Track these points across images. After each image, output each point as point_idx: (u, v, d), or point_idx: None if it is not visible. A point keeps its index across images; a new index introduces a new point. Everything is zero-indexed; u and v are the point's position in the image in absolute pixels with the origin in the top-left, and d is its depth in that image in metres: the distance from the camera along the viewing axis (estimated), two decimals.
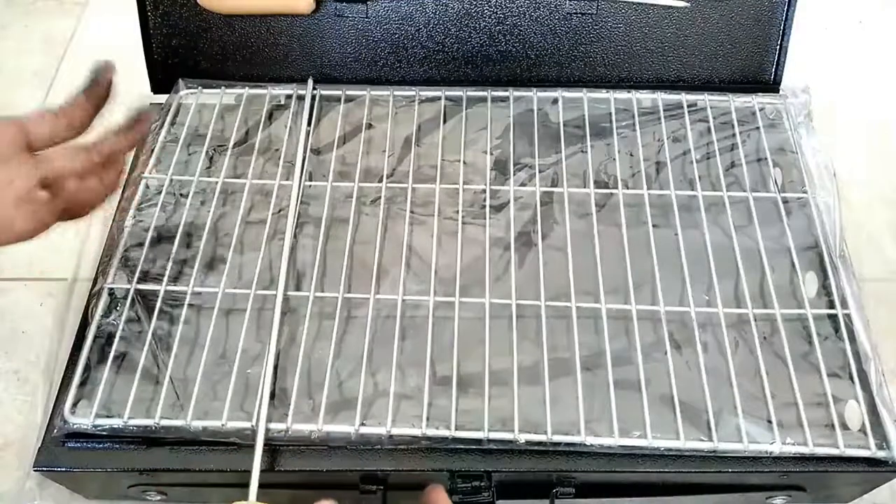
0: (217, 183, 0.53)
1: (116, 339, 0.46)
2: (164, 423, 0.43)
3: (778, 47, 0.58)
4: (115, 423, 0.43)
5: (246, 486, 0.40)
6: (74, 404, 0.44)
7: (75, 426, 0.43)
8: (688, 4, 0.56)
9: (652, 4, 0.56)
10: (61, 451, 0.43)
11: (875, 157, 0.67)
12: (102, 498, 0.49)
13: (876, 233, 0.62)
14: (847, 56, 0.74)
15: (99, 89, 0.42)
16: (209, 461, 0.43)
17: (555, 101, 0.57)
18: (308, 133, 0.56)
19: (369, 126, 0.57)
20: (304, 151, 0.55)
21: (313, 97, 0.58)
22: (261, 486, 0.40)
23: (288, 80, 0.58)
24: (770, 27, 0.57)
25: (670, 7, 0.56)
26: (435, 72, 0.59)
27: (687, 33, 0.57)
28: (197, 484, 0.46)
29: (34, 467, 0.43)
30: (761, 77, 0.59)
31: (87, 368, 0.45)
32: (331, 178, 0.53)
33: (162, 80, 0.60)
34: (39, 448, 0.43)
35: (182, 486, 0.46)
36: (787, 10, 0.56)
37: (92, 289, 0.49)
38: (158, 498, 0.47)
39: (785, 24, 0.57)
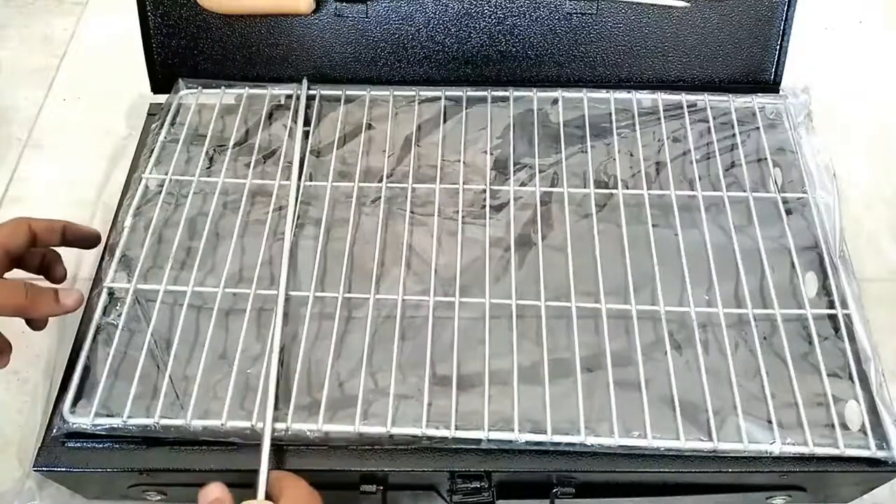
0: (217, 183, 0.53)
1: (116, 339, 0.46)
2: (164, 422, 0.43)
3: (778, 47, 0.58)
4: (115, 422, 0.43)
5: (246, 486, 0.40)
6: (74, 404, 0.44)
7: (75, 426, 0.43)
8: (688, 4, 0.56)
9: (652, 4, 0.56)
10: (61, 450, 0.43)
11: (875, 157, 0.67)
12: (102, 498, 0.49)
13: (876, 233, 0.62)
14: (847, 56, 0.74)
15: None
16: (209, 461, 0.43)
17: (555, 101, 0.57)
18: (307, 133, 0.56)
19: (369, 126, 0.57)
20: (303, 152, 0.55)
21: (312, 97, 0.58)
22: None
23: (288, 80, 0.58)
24: (770, 27, 0.57)
25: (670, 7, 0.56)
26: (435, 72, 0.59)
27: (687, 33, 0.57)
28: (197, 484, 0.45)
29: (34, 467, 0.43)
30: (761, 77, 0.59)
31: (86, 368, 0.45)
32: (331, 178, 0.53)
33: (162, 80, 0.60)
34: (39, 448, 0.43)
35: (182, 486, 0.46)
36: (787, 10, 0.56)
37: (92, 289, 0.49)
38: (158, 498, 0.47)
39: (785, 24, 0.57)
